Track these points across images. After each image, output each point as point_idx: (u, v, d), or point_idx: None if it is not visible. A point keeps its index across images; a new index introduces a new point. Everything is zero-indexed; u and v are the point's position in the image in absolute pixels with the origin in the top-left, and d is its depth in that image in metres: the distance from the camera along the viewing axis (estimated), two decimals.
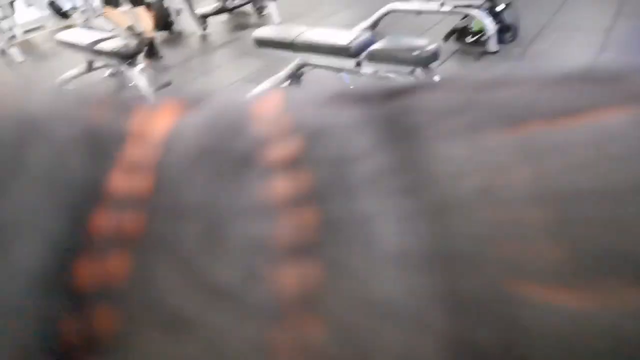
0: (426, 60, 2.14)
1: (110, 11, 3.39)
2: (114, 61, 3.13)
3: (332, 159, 0.12)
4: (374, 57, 2.24)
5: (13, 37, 5.18)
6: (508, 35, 3.49)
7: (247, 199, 0.11)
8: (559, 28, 3.72)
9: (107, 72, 3.68)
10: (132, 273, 0.10)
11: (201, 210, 0.11)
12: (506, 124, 0.12)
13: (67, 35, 3.59)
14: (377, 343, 0.10)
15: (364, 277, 0.10)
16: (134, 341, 0.10)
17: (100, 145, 0.12)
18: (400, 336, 0.10)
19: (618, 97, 0.12)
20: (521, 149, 0.11)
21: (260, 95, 0.15)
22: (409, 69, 2.20)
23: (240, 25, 5.26)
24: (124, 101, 0.16)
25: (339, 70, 2.52)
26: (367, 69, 2.31)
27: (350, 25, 4.31)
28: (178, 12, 4.98)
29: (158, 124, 0.13)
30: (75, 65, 3.60)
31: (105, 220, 0.11)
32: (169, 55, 4.17)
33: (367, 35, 2.32)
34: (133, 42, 3.05)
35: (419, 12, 3.84)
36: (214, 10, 5.29)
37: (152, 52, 3.83)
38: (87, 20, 5.33)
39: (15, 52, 4.93)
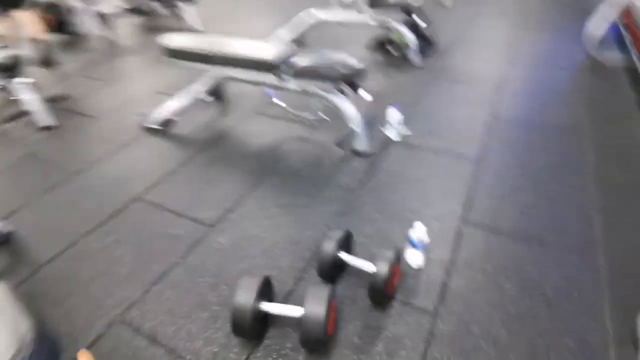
0: (353, 77, 2.06)
1: None
2: None
3: None
4: (300, 74, 2.10)
5: None
6: (428, 48, 3.61)
7: None
8: (471, 41, 3.94)
9: None
10: None
11: None
12: None
13: None
14: None
15: None
16: None
17: None
18: None
19: None
20: None
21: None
22: (335, 85, 2.10)
23: (154, 28, 4.82)
24: None
25: (263, 84, 2.35)
26: (293, 84, 2.17)
27: (271, 31, 4.15)
28: (75, 11, 4.39)
29: None
30: None
31: None
32: (68, 62, 3.65)
33: (292, 49, 2.17)
34: (10, 52, 2.60)
35: (342, 24, 3.81)
36: (121, 10, 4.79)
37: (46, 59, 3.31)
38: None
39: None
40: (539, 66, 3.33)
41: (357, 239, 1.65)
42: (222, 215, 1.80)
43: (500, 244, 1.62)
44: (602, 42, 3.48)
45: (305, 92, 2.19)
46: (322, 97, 2.17)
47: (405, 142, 2.32)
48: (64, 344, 1.16)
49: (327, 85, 2.10)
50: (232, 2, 5.80)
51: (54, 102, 2.85)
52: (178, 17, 5.21)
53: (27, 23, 2.89)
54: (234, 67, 2.24)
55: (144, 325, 1.35)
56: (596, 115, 2.57)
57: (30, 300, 1.39)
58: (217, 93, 2.96)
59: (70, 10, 4.30)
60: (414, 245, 1.49)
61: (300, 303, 1.22)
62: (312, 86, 2.14)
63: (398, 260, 1.39)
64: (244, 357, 1.24)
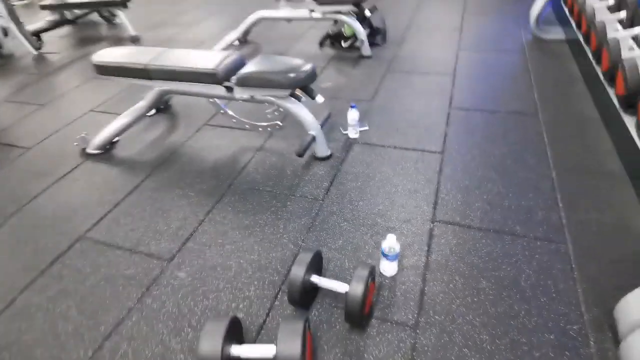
0: (304, 81, 1.95)
1: None
2: None
3: None
4: (247, 82, 1.97)
5: None
6: (379, 38, 3.55)
7: None
8: (420, 29, 3.92)
9: None
10: None
11: None
12: None
13: None
14: None
15: None
16: None
17: None
18: None
19: None
20: None
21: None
22: (286, 91, 1.98)
23: (87, 39, 4.46)
24: None
25: (210, 96, 2.19)
26: (241, 93, 2.03)
27: (217, 35, 3.94)
28: (4, 32, 4.00)
29: None
30: None
31: None
32: None
33: (235, 57, 2.02)
34: None
35: (289, 20, 3.66)
36: (50, 25, 4.39)
37: None
38: None
39: None
40: (488, 49, 3.35)
41: (328, 253, 1.56)
42: (180, 246, 1.66)
43: (472, 240, 1.59)
44: (545, 20, 3.55)
45: (254, 100, 2.06)
46: (273, 105, 2.04)
47: (367, 141, 2.25)
48: None
49: (279, 91, 1.97)
50: (172, 5, 5.48)
51: None
52: (114, 24, 4.86)
53: None
54: (174, 80, 2.06)
55: None
56: (546, 93, 2.61)
57: None
58: (161, 106, 2.77)
59: (2, 31, 3.90)
60: (386, 256, 1.42)
61: (273, 338, 1.12)
62: (260, 94, 2.01)
63: (373, 277, 1.31)
64: None
